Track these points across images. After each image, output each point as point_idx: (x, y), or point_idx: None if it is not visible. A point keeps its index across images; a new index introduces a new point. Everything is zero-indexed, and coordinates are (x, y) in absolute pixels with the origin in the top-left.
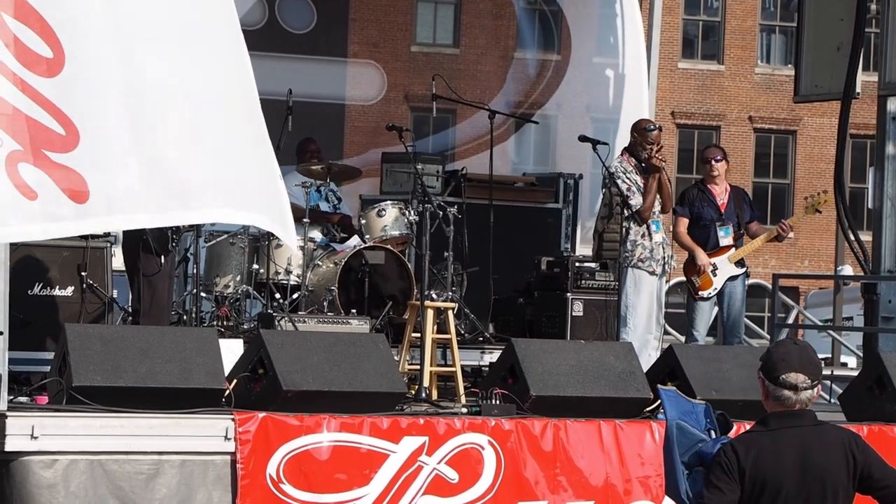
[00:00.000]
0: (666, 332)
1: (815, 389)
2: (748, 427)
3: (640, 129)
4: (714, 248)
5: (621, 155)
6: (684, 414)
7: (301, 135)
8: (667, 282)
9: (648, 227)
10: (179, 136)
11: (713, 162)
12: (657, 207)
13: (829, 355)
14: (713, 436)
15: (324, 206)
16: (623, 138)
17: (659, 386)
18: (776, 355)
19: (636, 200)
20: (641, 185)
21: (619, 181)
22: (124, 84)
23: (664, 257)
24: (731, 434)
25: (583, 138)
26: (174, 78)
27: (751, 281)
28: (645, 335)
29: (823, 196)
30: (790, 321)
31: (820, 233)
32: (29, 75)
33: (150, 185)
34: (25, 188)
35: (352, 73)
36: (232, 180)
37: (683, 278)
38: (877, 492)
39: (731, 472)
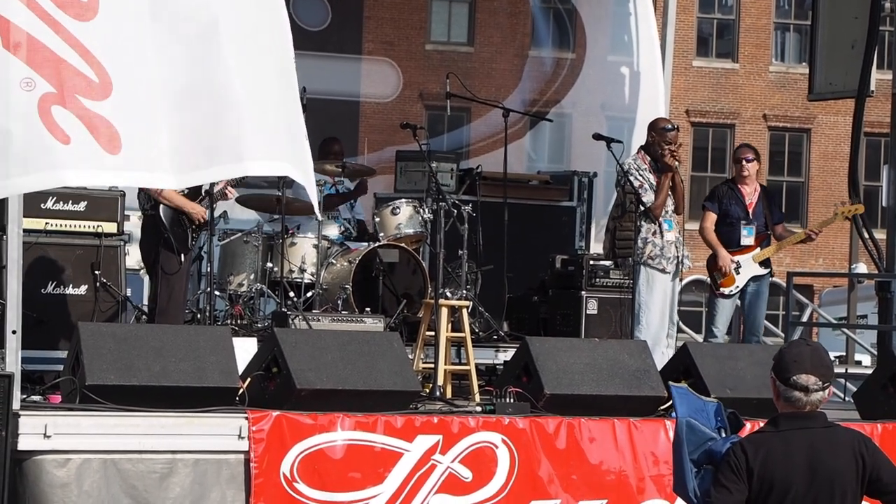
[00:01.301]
0: (680, 331)
1: (827, 391)
2: (761, 426)
3: (658, 128)
4: (736, 248)
5: (637, 153)
6: (695, 412)
7: (315, 132)
8: (680, 280)
9: (660, 226)
10: (211, 91)
11: (744, 162)
12: (670, 207)
13: (844, 353)
14: (723, 434)
15: (341, 208)
16: (639, 137)
17: (670, 383)
18: (788, 356)
19: (648, 198)
20: (655, 184)
21: (631, 178)
22: (155, 38)
23: (677, 256)
24: (742, 433)
25: (597, 136)
26: (206, 33)
27: None
28: (658, 333)
29: (856, 206)
30: (804, 319)
31: (835, 231)
32: (64, 17)
33: (181, 143)
34: (59, 132)
35: (367, 70)
36: (262, 132)
37: (697, 277)
38: (886, 495)
39: (740, 471)
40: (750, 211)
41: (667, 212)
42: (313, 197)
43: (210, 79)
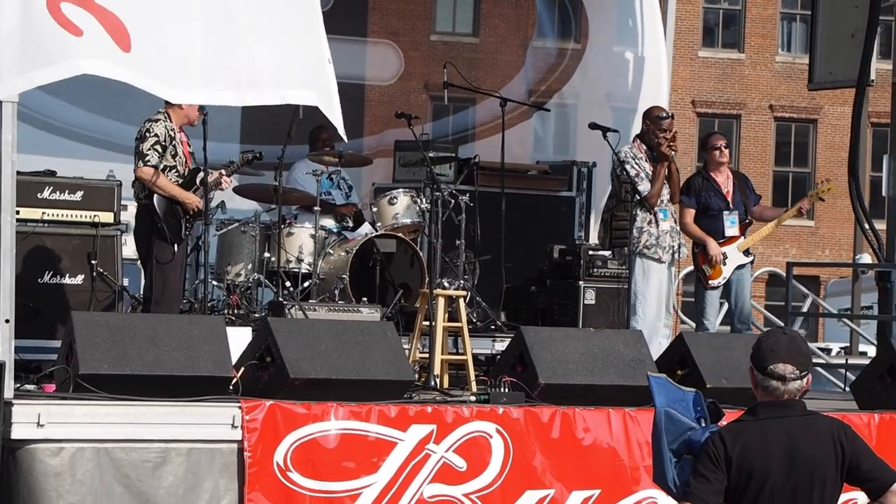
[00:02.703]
0: (682, 322)
1: (805, 380)
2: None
3: (652, 116)
4: (721, 239)
5: (633, 142)
6: (674, 401)
7: (317, 114)
8: (678, 270)
9: (655, 215)
10: (229, 16)
11: (722, 148)
12: (665, 196)
13: (848, 344)
14: (703, 424)
15: (336, 194)
16: (640, 126)
17: (648, 373)
18: (765, 345)
19: (643, 187)
20: (650, 173)
21: (628, 167)
22: None
23: (672, 245)
24: (722, 423)
25: (593, 125)
26: None
27: (769, 269)
28: (655, 323)
29: (827, 185)
30: (806, 310)
31: (841, 221)
32: None
33: (196, 62)
34: (70, 25)
35: (371, 53)
36: (280, 60)
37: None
38: (865, 483)
39: (718, 461)
40: (729, 200)
41: (662, 201)
42: (338, 122)
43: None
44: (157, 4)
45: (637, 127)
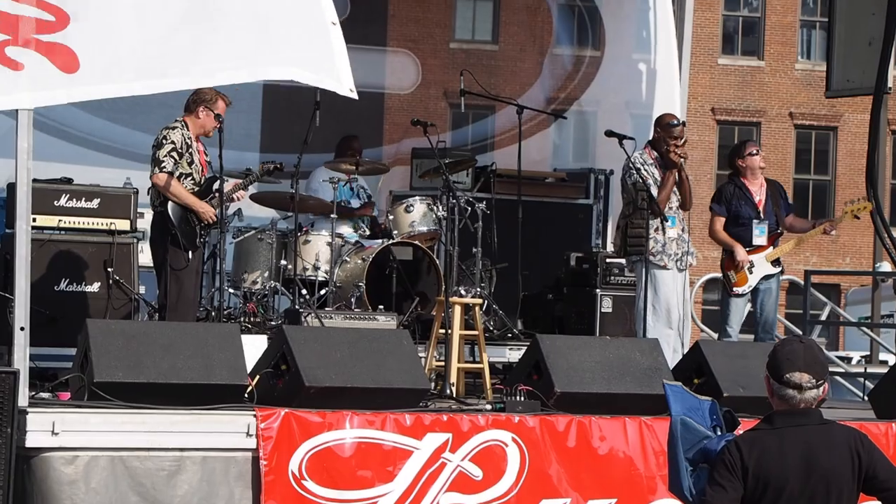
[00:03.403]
0: (701, 331)
1: (822, 389)
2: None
3: (663, 123)
4: (749, 248)
5: (644, 148)
6: (690, 410)
7: (337, 123)
8: (690, 277)
9: (663, 222)
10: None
11: (756, 154)
12: (674, 203)
13: (868, 353)
14: (719, 433)
15: (354, 203)
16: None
17: (664, 381)
18: (781, 354)
19: (652, 193)
20: (659, 179)
21: (633, 171)
22: None
23: (679, 253)
24: (738, 431)
25: (609, 133)
26: None
27: (789, 278)
28: (662, 330)
29: (863, 203)
30: (824, 318)
31: (861, 230)
32: None
33: (157, 51)
34: (11, 63)
35: (390, 61)
36: (267, 35)
37: (718, 275)
38: (882, 493)
39: (735, 469)
40: (760, 209)
41: (671, 208)
42: (337, 87)
43: None
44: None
45: (650, 134)
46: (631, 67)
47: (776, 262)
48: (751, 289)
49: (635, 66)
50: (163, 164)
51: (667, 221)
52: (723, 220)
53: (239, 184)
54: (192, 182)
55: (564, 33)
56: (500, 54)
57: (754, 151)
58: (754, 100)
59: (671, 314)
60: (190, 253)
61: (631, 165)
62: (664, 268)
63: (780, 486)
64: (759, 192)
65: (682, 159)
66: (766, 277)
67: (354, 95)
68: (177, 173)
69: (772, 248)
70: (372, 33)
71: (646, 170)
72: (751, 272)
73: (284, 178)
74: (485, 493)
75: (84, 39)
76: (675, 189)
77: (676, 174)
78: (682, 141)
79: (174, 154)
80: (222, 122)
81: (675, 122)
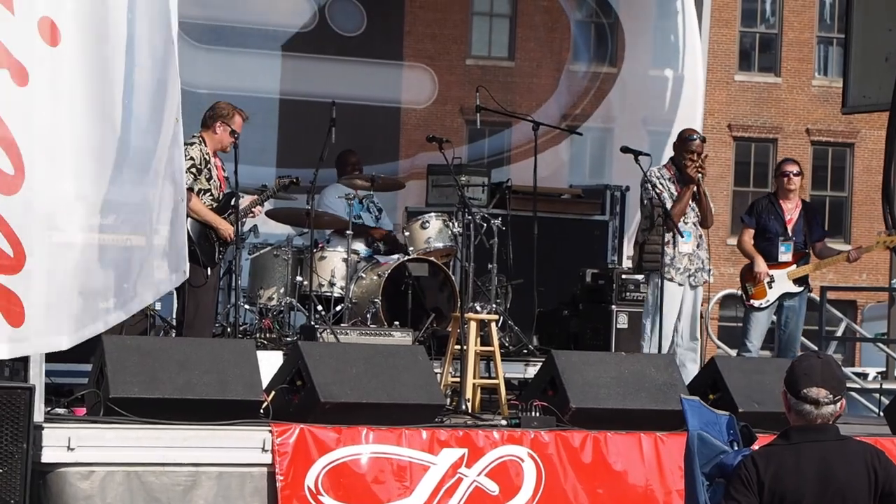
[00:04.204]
0: (718, 347)
1: (839, 404)
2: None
3: (682, 138)
4: (773, 263)
5: (665, 164)
6: (707, 424)
7: (353, 137)
8: (706, 296)
9: (675, 236)
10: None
11: (792, 175)
12: (692, 219)
13: (884, 369)
14: (735, 447)
15: (366, 217)
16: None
17: (682, 396)
18: (799, 369)
19: (666, 206)
20: (675, 194)
21: (649, 185)
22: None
23: (692, 269)
24: (754, 446)
25: (625, 149)
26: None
27: None
28: (664, 345)
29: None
30: (840, 334)
31: None
32: None
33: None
34: None
35: (406, 76)
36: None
37: (734, 290)
38: None
39: (751, 484)
40: (789, 227)
41: (686, 223)
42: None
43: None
44: (61, 260)
45: (667, 150)
46: (648, 84)
47: (801, 282)
48: (769, 304)
49: (653, 82)
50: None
51: (682, 236)
52: (751, 231)
53: (255, 200)
54: (211, 198)
55: (582, 49)
56: (516, 70)
57: (787, 171)
58: (771, 116)
59: (680, 329)
60: (209, 270)
61: (647, 180)
62: (671, 280)
63: (796, 501)
64: (792, 210)
65: (699, 174)
66: (790, 296)
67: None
68: (196, 189)
69: (795, 266)
70: (388, 49)
71: (661, 184)
72: (770, 286)
73: (300, 193)
74: None
75: (32, 289)
76: (693, 205)
77: (694, 189)
78: (702, 156)
79: (193, 170)
80: (238, 137)
81: (694, 136)
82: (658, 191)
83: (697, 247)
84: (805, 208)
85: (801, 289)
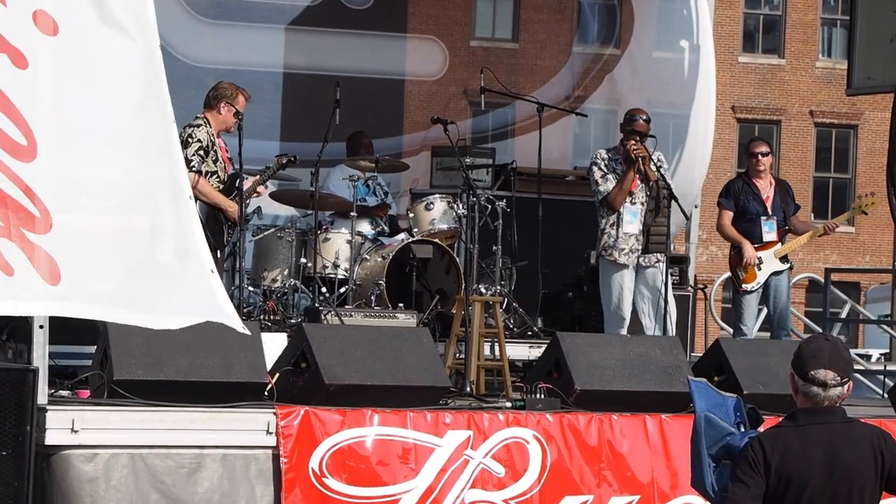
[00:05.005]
0: (721, 328)
1: (846, 387)
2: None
3: (626, 118)
4: (758, 244)
5: (615, 146)
6: (714, 406)
7: (357, 110)
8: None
9: (619, 217)
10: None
11: (760, 157)
12: (643, 198)
13: (888, 350)
14: (742, 430)
15: (371, 200)
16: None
17: (689, 377)
18: (807, 351)
19: (605, 187)
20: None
21: (594, 168)
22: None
23: (637, 249)
24: (761, 428)
25: (629, 131)
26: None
27: (808, 275)
28: (614, 327)
29: (870, 199)
30: (844, 316)
31: (881, 228)
32: (8, 159)
33: (123, 281)
34: (4, 264)
35: (412, 48)
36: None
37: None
38: None
39: (757, 466)
40: (768, 205)
41: (634, 203)
42: (237, 325)
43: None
44: (89, 227)
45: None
46: (653, 65)
47: (784, 259)
48: (759, 285)
49: (657, 64)
50: (191, 164)
51: (626, 216)
52: (731, 214)
53: (257, 180)
54: (218, 180)
55: (588, 31)
56: (520, 52)
57: (757, 153)
58: (774, 98)
59: (622, 310)
60: (218, 252)
61: (592, 162)
62: (615, 262)
63: (802, 484)
64: (767, 188)
65: (636, 152)
66: (775, 273)
67: (247, 331)
68: (204, 171)
69: (780, 244)
70: (393, 20)
71: (606, 166)
72: (759, 269)
73: (303, 174)
74: (508, 490)
75: (65, 250)
76: (642, 185)
77: (643, 169)
78: (643, 136)
79: (201, 152)
80: (241, 118)
81: (636, 116)
82: (601, 173)
83: (643, 224)
84: (778, 185)
85: (787, 266)
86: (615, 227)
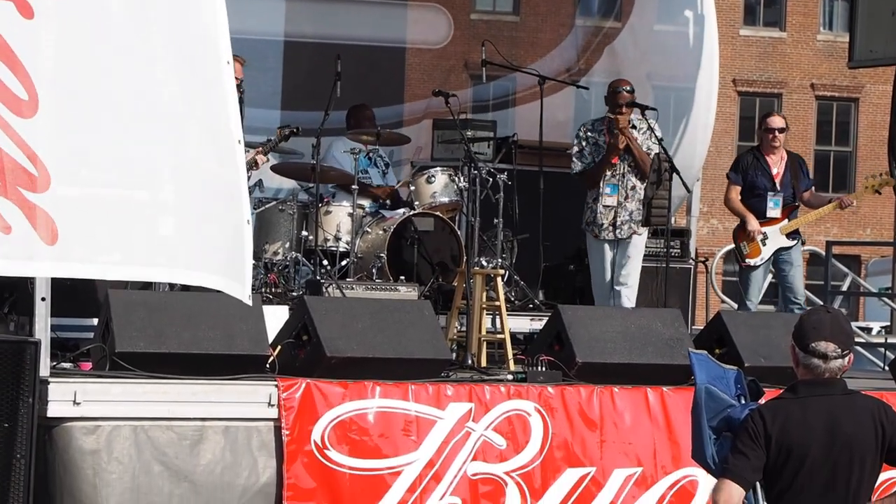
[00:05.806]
0: (722, 301)
1: (847, 359)
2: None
3: (610, 90)
4: (762, 220)
5: (601, 118)
6: (714, 379)
7: (357, 78)
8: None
9: (599, 191)
10: (156, 185)
11: (777, 133)
12: (625, 170)
13: (889, 323)
14: (743, 402)
15: (373, 172)
16: (697, 106)
17: (690, 350)
18: (808, 323)
19: (578, 166)
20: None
21: (574, 142)
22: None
23: (615, 222)
24: (762, 401)
25: (631, 104)
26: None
27: (810, 249)
28: (602, 300)
29: (885, 178)
30: (845, 289)
31: (882, 201)
32: (8, 113)
33: (124, 236)
34: (2, 221)
35: (413, 16)
36: (199, 238)
37: (734, 246)
38: None
39: (758, 437)
40: (777, 181)
41: (614, 175)
42: (245, 296)
43: (159, 170)
44: (88, 184)
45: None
46: (654, 39)
47: (793, 235)
48: (764, 261)
49: (658, 37)
50: None
51: (605, 189)
52: (738, 188)
53: (259, 150)
54: None
55: (589, 4)
56: (521, 25)
57: (772, 127)
58: (776, 71)
59: (607, 283)
60: None
61: (575, 134)
62: (597, 237)
63: (802, 455)
64: (777, 164)
65: (621, 126)
66: (784, 249)
67: (250, 302)
68: None
69: (787, 220)
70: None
71: (587, 139)
72: (764, 244)
73: (305, 146)
74: (510, 462)
75: (63, 209)
76: (626, 156)
77: (623, 143)
78: (628, 107)
79: None
80: (243, 91)
81: (620, 88)
82: (578, 148)
83: (626, 199)
84: (790, 160)
85: (795, 242)
86: (595, 202)
